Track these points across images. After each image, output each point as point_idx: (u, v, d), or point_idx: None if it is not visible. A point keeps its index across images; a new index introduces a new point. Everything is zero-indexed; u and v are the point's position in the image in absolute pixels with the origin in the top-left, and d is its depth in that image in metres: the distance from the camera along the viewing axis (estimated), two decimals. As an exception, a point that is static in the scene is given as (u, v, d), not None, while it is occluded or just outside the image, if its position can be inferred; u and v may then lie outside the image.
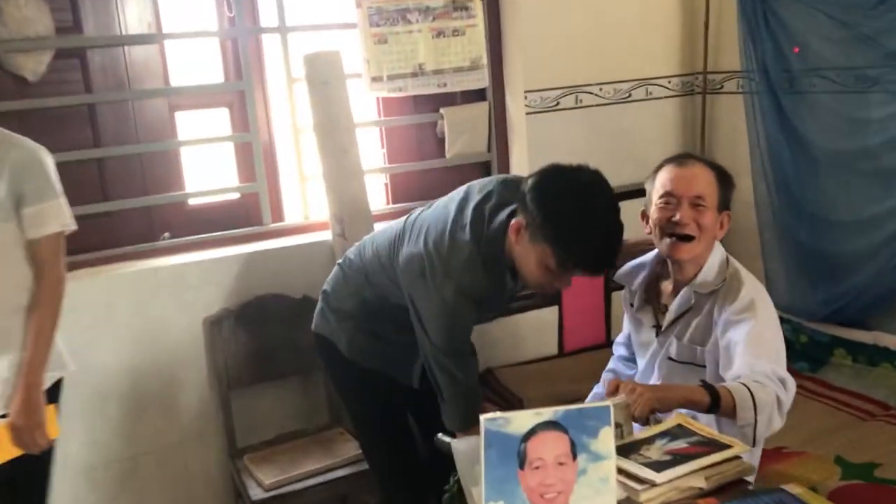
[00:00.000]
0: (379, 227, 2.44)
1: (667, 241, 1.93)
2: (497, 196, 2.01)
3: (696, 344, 1.93)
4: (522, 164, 3.44)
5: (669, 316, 1.98)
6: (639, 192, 3.40)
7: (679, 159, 2.00)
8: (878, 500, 2.27)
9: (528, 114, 3.38)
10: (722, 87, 3.71)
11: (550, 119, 3.43)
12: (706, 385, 1.74)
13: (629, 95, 3.62)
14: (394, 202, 3.41)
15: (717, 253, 1.97)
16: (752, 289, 1.91)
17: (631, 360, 2.24)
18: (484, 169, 3.54)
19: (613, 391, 1.71)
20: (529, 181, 1.89)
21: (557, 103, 3.44)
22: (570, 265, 1.85)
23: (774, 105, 3.32)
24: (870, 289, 3.00)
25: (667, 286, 2.02)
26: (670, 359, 2.01)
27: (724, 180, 1.96)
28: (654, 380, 2.05)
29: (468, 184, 2.11)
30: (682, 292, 1.97)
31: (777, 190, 3.36)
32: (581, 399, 2.26)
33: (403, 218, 2.18)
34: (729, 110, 3.68)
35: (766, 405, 1.70)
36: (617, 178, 3.41)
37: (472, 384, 2.08)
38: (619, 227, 1.86)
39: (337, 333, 2.28)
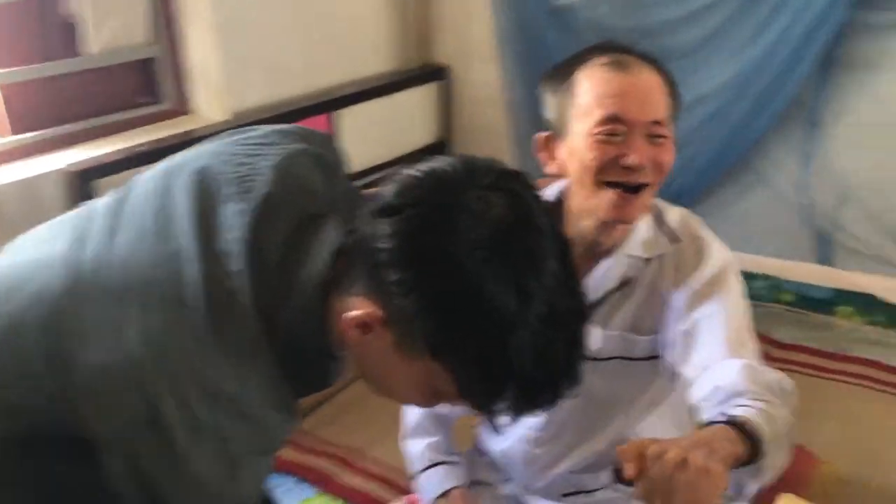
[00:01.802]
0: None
1: (609, 194, 1.19)
2: (282, 202, 0.88)
3: (630, 332, 1.33)
4: (206, 62, 2.42)
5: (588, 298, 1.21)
6: (372, 92, 2.81)
7: (617, 58, 1.25)
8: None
9: (211, -15, 2.32)
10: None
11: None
12: (733, 424, 1.06)
13: (334, -35, 2.70)
14: (17, 132, 2.19)
15: (653, 202, 1.33)
16: (721, 250, 1.33)
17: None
18: (143, 72, 2.43)
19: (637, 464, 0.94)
20: (381, 211, 0.83)
21: (250, -29, 2.42)
22: (489, 404, 0.87)
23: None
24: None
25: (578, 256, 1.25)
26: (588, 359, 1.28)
27: (674, 91, 1.29)
28: (548, 412, 1.34)
29: (197, 150, 0.99)
30: (605, 263, 1.31)
31: (534, 81, 2.73)
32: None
33: (69, 240, 0.91)
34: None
35: (785, 440, 1.12)
36: (332, 75, 2.70)
37: None
38: (586, 311, 0.90)
39: None
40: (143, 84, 2.41)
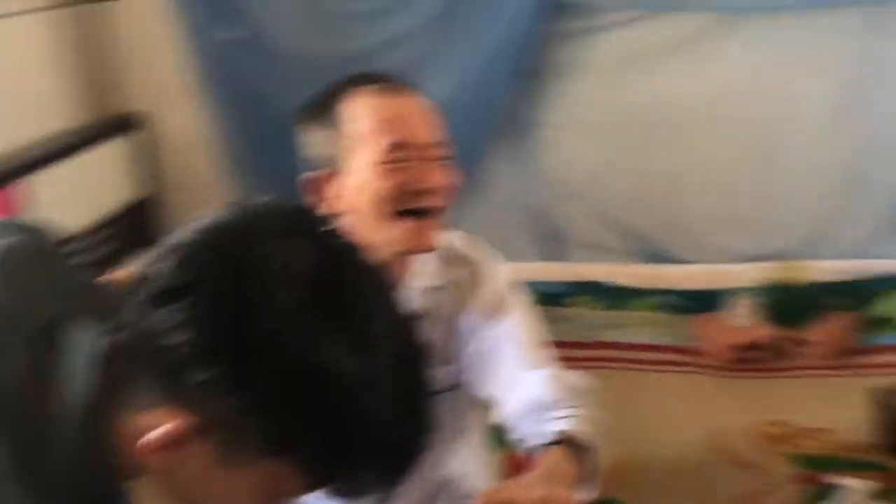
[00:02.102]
0: None
1: (407, 223, 1.16)
2: (24, 300, 0.71)
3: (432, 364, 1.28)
4: None
5: None
6: (56, 153, 2.44)
7: (383, 84, 1.21)
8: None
9: None
10: (118, -11, 2.68)
11: None
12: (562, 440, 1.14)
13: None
14: None
15: None
16: (502, 267, 1.41)
17: None
18: None
19: None
20: (160, 297, 0.65)
21: None
22: (355, 488, 0.73)
23: (225, 4, 2.50)
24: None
25: None
26: None
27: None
28: None
29: None
30: None
31: (245, 117, 2.61)
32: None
33: None
34: (136, 17, 2.69)
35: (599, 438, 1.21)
36: (12, 139, 2.38)
37: None
38: (426, 347, 0.76)
39: None
40: None
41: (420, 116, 1.21)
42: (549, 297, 2.68)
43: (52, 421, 0.62)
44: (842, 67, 2.27)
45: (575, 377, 1.28)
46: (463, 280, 1.31)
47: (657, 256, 2.59)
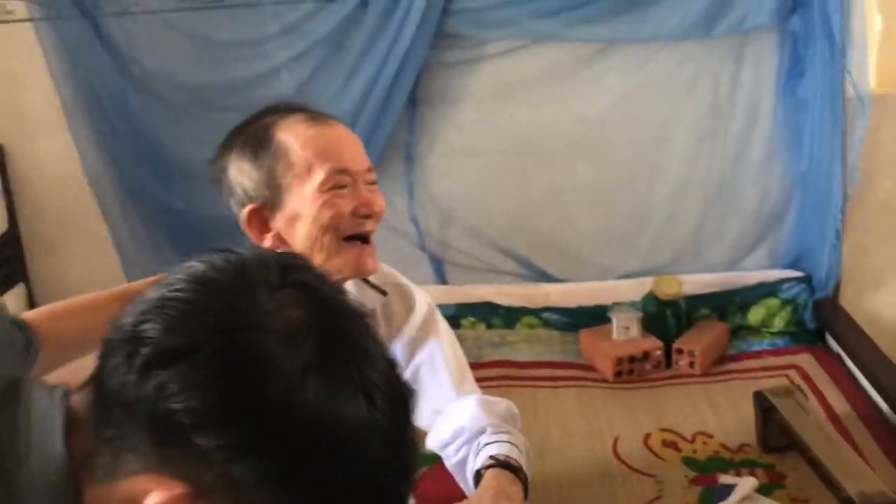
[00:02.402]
0: None
1: (353, 249, 1.17)
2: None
3: None
4: None
5: None
6: None
7: (308, 113, 1.20)
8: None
9: None
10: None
11: None
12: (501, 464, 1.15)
13: None
14: None
15: None
16: (422, 294, 1.41)
17: None
18: None
19: None
20: (152, 363, 0.60)
21: None
22: None
23: (91, 33, 2.40)
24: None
25: None
26: None
27: None
28: None
29: None
30: None
31: (118, 147, 2.52)
32: None
33: None
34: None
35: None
36: None
37: None
38: (410, 386, 0.73)
39: None
40: None
41: (353, 143, 1.21)
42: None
43: (22, 490, 0.57)
44: (707, 93, 2.45)
45: (504, 402, 1.30)
46: (395, 305, 1.31)
47: (541, 276, 2.69)
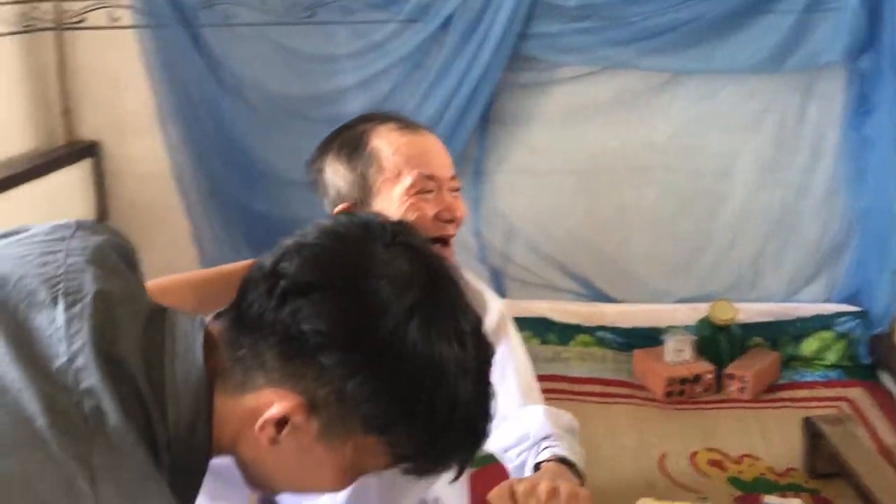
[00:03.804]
0: None
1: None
2: (119, 297, 0.74)
3: None
4: None
5: None
6: (15, 177, 2.43)
7: (402, 122, 1.28)
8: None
9: None
10: (83, 20, 2.71)
11: None
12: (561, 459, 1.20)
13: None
14: None
15: None
16: (496, 299, 1.41)
17: None
18: None
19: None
20: (289, 292, 0.73)
21: None
22: (437, 465, 0.82)
23: (189, 42, 2.57)
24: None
25: None
26: None
27: None
28: (350, 490, 1.32)
29: None
30: None
31: (207, 149, 2.68)
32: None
33: None
34: (100, 51, 2.73)
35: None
36: None
37: None
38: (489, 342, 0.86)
39: None
40: None
41: (440, 152, 1.28)
42: (497, 332, 2.82)
43: (168, 394, 0.68)
44: (773, 126, 2.51)
45: (567, 416, 1.31)
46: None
47: (598, 295, 2.76)
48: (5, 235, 0.78)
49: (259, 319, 0.71)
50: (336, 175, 1.26)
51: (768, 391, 2.47)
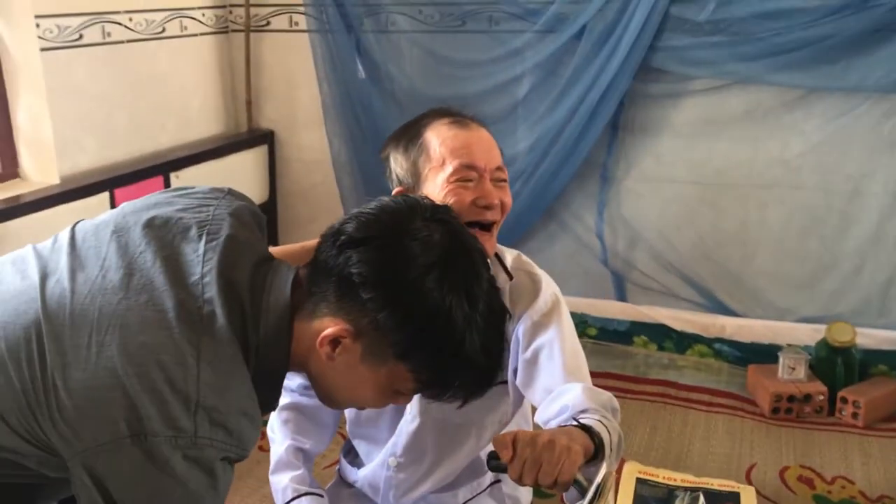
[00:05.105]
0: None
1: (473, 232, 1.34)
2: (243, 243, 1.03)
3: None
4: (35, 125, 2.40)
5: None
6: (203, 155, 2.85)
7: (456, 117, 1.42)
8: None
9: (43, 50, 2.31)
10: (268, 23, 3.08)
11: (73, 58, 2.44)
12: (582, 427, 1.24)
13: (163, 30, 2.79)
14: None
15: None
16: (551, 285, 1.47)
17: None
18: None
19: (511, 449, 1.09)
20: (347, 243, 0.99)
21: (81, 36, 2.44)
22: (446, 392, 1.08)
23: (353, 46, 2.87)
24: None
25: None
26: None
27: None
28: (410, 429, 1.47)
29: (133, 207, 1.07)
30: None
31: (361, 143, 2.96)
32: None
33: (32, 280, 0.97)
34: (281, 51, 3.10)
35: (617, 447, 1.28)
36: (162, 138, 2.82)
37: None
38: (507, 309, 1.14)
39: None
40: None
41: (485, 145, 1.39)
42: (614, 334, 2.90)
43: (261, 312, 0.94)
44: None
45: (608, 395, 1.34)
46: (524, 289, 1.43)
47: (718, 307, 2.77)
48: (178, 189, 1.05)
49: (325, 265, 0.96)
50: (396, 163, 1.43)
51: (885, 420, 2.39)
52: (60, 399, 0.83)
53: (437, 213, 1.01)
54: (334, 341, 0.94)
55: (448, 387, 1.01)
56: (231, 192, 1.05)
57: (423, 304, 0.93)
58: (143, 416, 0.82)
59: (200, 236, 0.95)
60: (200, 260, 0.92)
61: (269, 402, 0.98)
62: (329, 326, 0.94)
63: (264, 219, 1.09)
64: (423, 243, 0.95)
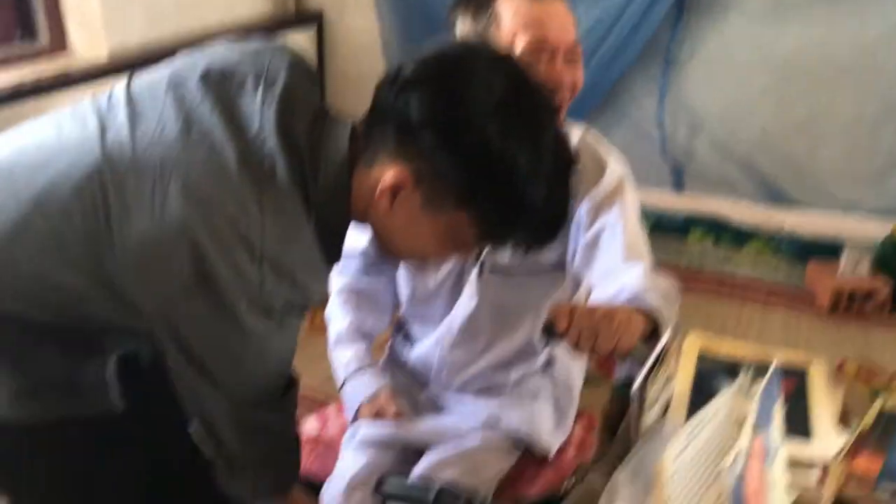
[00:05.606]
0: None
1: None
2: (300, 95, 0.99)
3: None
4: None
5: None
6: (250, 34, 2.73)
7: None
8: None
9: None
10: None
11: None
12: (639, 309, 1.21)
13: None
14: None
15: None
16: (618, 163, 1.40)
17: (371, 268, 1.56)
18: (17, 8, 2.30)
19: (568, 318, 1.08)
20: (405, 86, 0.93)
21: None
22: (508, 240, 1.04)
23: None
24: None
25: None
26: (496, 272, 1.40)
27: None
28: (466, 310, 1.44)
29: (188, 59, 1.03)
30: None
31: (410, 29, 2.86)
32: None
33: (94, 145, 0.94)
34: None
35: (673, 330, 1.26)
36: (210, 17, 2.72)
37: (292, 433, 1.18)
38: (574, 159, 1.03)
39: None
40: (17, 20, 2.30)
41: (559, 21, 1.29)
42: (669, 226, 2.83)
43: (321, 163, 0.91)
44: None
45: (667, 281, 1.30)
46: (589, 169, 1.37)
47: (779, 199, 2.67)
48: (233, 40, 1.00)
49: (383, 110, 0.92)
50: (463, 27, 1.36)
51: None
52: (126, 247, 0.83)
53: (503, 60, 0.95)
54: (394, 190, 0.90)
55: (509, 236, 0.97)
56: (287, 48, 1.00)
57: (484, 147, 0.88)
58: (208, 264, 0.82)
59: (257, 88, 0.91)
60: (259, 112, 0.89)
61: (332, 255, 0.95)
62: (388, 173, 0.90)
63: (317, 75, 1.05)
64: (486, 86, 0.89)
